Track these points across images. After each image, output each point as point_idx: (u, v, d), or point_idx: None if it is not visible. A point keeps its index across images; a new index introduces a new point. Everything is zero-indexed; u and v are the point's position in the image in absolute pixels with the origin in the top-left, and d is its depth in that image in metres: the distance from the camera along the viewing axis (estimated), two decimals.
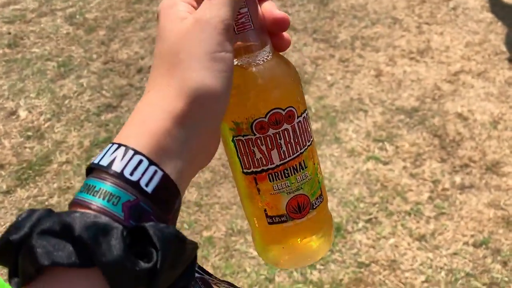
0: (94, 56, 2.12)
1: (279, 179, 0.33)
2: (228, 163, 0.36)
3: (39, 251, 0.23)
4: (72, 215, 0.24)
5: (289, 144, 0.33)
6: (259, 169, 0.33)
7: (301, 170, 0.34)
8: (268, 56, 0.33)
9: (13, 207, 1.57)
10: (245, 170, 0.34)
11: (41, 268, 0.23)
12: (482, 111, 1.75)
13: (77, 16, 2.35)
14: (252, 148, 0.33)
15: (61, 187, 1.61)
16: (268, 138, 0.32)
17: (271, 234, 0.36)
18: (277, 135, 0.32)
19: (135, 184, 0.25)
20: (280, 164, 0.33)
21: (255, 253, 1.37)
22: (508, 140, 1.65)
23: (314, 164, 0.36)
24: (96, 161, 0.26)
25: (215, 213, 1.49)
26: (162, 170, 0.26)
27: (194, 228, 1.46)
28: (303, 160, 0.34)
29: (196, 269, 0.33)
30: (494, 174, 1.54)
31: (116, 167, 0.26)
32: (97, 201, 0.25)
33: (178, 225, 1.47)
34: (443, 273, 1.31)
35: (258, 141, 0.32)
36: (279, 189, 0.34)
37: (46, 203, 1.58)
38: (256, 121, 0.32)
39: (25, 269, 0.24)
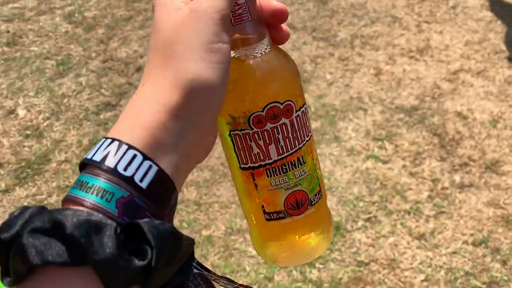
0: (93, 54, 2.11)
1: (277, 175, 0.33)
2: (226, 160, 0.35)
3: (30, 250, 0.22)
4: (64, 213, 0.23)
5: (287, 139, 0.32)
6: (256, 165, 0.33)
7: (300, 165, 0.33)
8: (266, 49, 0.32)
9: (11, 206, 1.56)
10: (242, 166, 0.33)
11: (32, 267, 0.23)
12: (482, 110, 1.75)
13: (76, 15, 2.34)
14: (249, 143, 0.32)
15: (60, 186, 1.61)
16: (265, 132, 0.32)
17: (269, 231, 0.36)
18: (275, 129, 0.32)
19: (129, 180, 0.25)
20: (278, 159, 0.33)
21: (254, 252, 1.37)
22: (507, 139, 1.64)
23: (313, 159, 0.35)
24: (89, 157, 0.26)
25: (214, 212, 1.49)
26: (157, 165, 0.26)
27: (193, 227, 1.45)
28: (302, 156, 0.33)
29: (195, 265, 0.32)
30: (493, 173, 1.54)
31: (110, 162, 0.25)
32: (90, 198, 0.24)
33: (177, 224, 1.47)
34: (442, 272, 1.30)
35: (256, 135, 0.32)
36: (277, 185, 0.33)
37: (45, 202, 1.57)
38: (253, 115, 0.31)
39: (17, 268, 0.23)
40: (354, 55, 2.01)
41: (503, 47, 2.00)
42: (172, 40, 0.28)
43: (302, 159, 0.34)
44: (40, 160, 1.69)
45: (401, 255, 1.35)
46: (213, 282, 0.34)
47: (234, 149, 0.33)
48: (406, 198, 1.48)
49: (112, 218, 0.24)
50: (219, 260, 1.37)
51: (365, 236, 1.40)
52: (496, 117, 1.72)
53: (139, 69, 2.02)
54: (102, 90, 1.95)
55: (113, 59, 2.09)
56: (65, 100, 1.92)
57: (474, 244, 1.36)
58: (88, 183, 0.25)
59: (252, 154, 0.32)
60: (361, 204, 1.47)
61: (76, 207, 0.24)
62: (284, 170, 0.33)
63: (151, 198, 0.25)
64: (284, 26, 0.34)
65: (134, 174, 0.25)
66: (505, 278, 1.28)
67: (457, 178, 1.53)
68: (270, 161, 0.33)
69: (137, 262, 0.23)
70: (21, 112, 1.89)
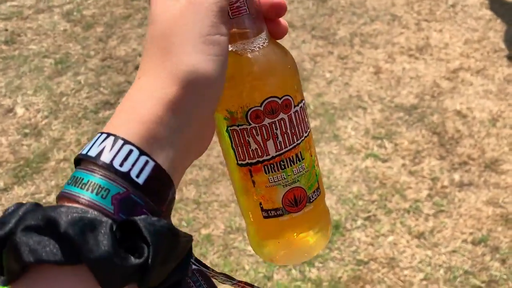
0: (92, 53, 2.11)
1: (275, 171, 0.32)
2: (223, 156, 0.35)
3: (23, 249, 0.22)
4: (58, 210, 0.23)
5: (285, 135, 0.32)
6: (254, 161, 0.32)
7: (298, 162, 0.33)
8: (264, 43, 0.32)
9: (10, 204, 1.56)
10: (239, 162, 0.33)
11: (26, 266, 0.22)
12: (481, 108, 1.74)
13: (75, 13, 2.34)
14: (247, 138, 0.31)
15: (59, 184, 1.60)
16: (263, 128, 0.31)
17: (266, 229, 0.35)
18: (273, 124, 0.31)
19: (125, 176, 0.24)
20: (276, 155, 0.32)
21: (253, 251, 1.36)
22: (507, 137, 1.64)
23: (311, 156, 0.35)
24: (84, 152, 0.26)
25: (213, 210, 1.49)
26: (153, 160, 0.25)
27: (193, 225, 1.45)
28: (300, 152, 0.33)
29: (193, 261, 0.32)
30: (493, 171, 1.54)
31: (105, 158, 0.25)
32: (85, 194, 0.24)
33: (176, 222, 1.47)
34: (442, 271, 1.30)
35: (253, 131, 0.31)
36: (275, 181, 0.33)
37: (44, 200, 1.57)
38: (251, 110, 0.31)
39: (11, 267, 0.23)
40: (354, 54, 2.00)
41: (503, 46, 1.99)
42: (169, 32, 0.27)
43: (301, 155, 0.33)
44: (38, 159, 1.69)
45: (401, 254, 1.34)
46: (212, 279, 0.33)
47: (232, 145, 0.32)
48: (406, 197, 1.48)
49: (108, 215, 0.23)
50: (218, 259, 1.36)
51: (364, 235, 1.39)
52: (496, 115, 1.72)
53: (138, 68, 2.01)
54: (101, 89, 1.94)
55: (112, 57, 2.08)
56: (64, 99, 1.91)
57: (473, 243, 1.36)
58: (83, 179, 0.24)
59: (250, 150, 0.32)
60: (360, 202, 1.47)
61: (70, 204, 0.24)
62: (282, 167, 0.32)
63: (148, 194, 0.25)
64: (282, 20, 0.33)
65: (130, 169, 0.25)
66: (504, 277, 1.28)
67: (456, 177, 1.53)
68: (268, 157, 0.32)
69: (134, 260, 0.23)
70: (19, 110, 1.88)
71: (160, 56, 0.27)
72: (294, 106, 0.32)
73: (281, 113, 0.32)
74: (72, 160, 1.58)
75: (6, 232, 0.23)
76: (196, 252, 1.38)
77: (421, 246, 1.36)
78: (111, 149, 0.25)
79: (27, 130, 1.80)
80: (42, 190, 1.60)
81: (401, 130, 1.68)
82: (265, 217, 0.34)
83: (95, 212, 0.23)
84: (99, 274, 0.22)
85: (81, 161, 0.26)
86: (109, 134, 0.26)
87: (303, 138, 0.33)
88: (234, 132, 0.32)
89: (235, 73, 0.31)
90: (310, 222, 0.36)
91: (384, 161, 1.59)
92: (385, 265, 1.32)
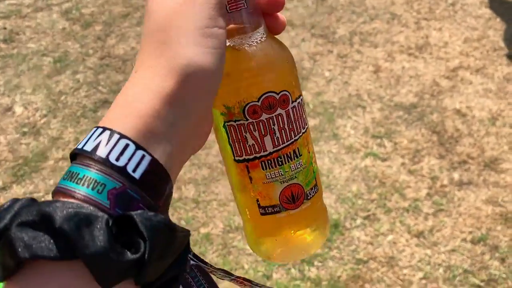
0: (91, 51, 2.10)
1: (272, 167, 0.32)
2: (220, 153, 0.35)
3: (18, 244, 0.22)
4: (53, 205, 0.23)
5: (283, 130, 0.32)
6: (251, 157, 0.32)
7: (296, 158, 0.33)
8: (262, 38, 0.31)
9: None
10: (236, 158, 0.32)
11: (21, 262, 0.22)
12: (481, 107, 1.74)
13: (73, 11, 2.33)
14: (244, 134, 0.31)
15: (58, 183, 1.60)
16: (261, 123, 0.31)
17: (263, 226, 0.35)
18: (270, 120, 0.31)
19: (122, 170, 0.24)
20: (274, 151, 0.32)
21: None
22: (506, 136, 1.64)
23: (309, 152, 0.34)
24: (80, 146, 0.25)
25: (212, 209, 1.48)
26: (150, 154, 0.25)
27: (192, 224, 1.45)
28: (298, 148, 0.33)
29: (191, 257, 0.32)
30: (492, 170, 1.53)
31: (101, 152, 0.24)
32: (81, 189, 0.24)
33: (175, 221, 1.47)
34: (441, 270, 1.30)
35: (251, 126, 0.31)
36: (272, 177, 0.32)
37: (42, 199, 1.57)
38: (248, 105, 0.31)
39: (6, 263, 0.22)
40: (353, 52, 2.00)
41: (502, 44, 1.99)
42: (166, 25, 0.27)
43: (298, 151, 0.33)
44: (37, 158, 1.68)
45: (400, 253, 1.34)
46: (210, 274, 0.33)
47: (229, 141, 0.32)
48: (405, 196, 1.48)
49: (104, 210, 0.23)
50: (218, 257, 1.36)
51: (363, 234, 1.39)
52: (495, 114, 1.72)
53: None
54: (100, 87, 1.94)
55: (110, 56, 2.08)
56: (62, 97, 1.91)
57: (472, 241, 1.36)
58: (78, 174, 0.24)
59: (247, 145, 0.32)
60: (359, 201, 1.47)
61: (66, 199, 0.24)
62: (280, 163, 0.32)
63: (144, 189, 0.25)
64: (280, 15, 0.33)
65: (126, 164, 0.24)
66: (504, 275, 1.28)
67: (456, 175, 1.53)
68: (266, 153, 0.32)
69: (130, 255, 0.23)
70: (18, 109, 1.88)
71: (157, 49, 0.27)
72: (292, 102, 0.32)
73: (278, 108, 0.31)
74: None
75: (1, 228, 0.23)
76: (195, 251, 1.38)
77: (420, 245, 1.36)
78: (107, 143, 0.25)
79: (25, 129, 1.79)
80: (40, 189, 1.59)
81: (401, 129, 1.68)
82: (262, 214, 0.34)
83: (91, 207, 0.23)
84: (95, 270, 0.22)
85: (77, 155, 0.26)
86: (105, 129, 0.25)
87: (300, 134, 0.33)
88: (231, 128, 0.32)
89: (233, 68, 0.30)
90: (308, 219, 0.35)
91: (384, 160, 1.59)
92: (385, 264, 1.32)
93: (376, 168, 1.56)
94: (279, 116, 0.31)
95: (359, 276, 1.29)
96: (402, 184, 1.51)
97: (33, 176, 1.63)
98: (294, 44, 2.04)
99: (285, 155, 0.32)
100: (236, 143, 0.32)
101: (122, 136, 0.25)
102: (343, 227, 1.41)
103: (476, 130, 1.66)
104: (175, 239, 0.25)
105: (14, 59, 2.10)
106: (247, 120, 0.31)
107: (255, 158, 0.32)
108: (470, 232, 1.38)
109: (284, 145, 0.32)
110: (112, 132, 0.25)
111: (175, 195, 1.52)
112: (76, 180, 0.24)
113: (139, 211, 0.23)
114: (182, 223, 1.45)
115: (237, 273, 1.33)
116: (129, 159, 0.24)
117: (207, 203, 1.50)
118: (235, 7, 0.30)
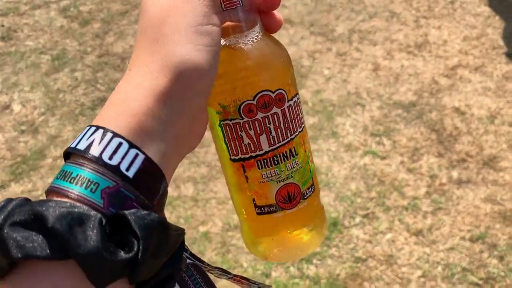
0: (89, 49, 2.10)
1: (268, 167, 0.32)
2: (216, 152, 0.34)
3: (11, 244, 0.22)
4: (46, 205, 0.22)
5: (278, 129, 0.31)
6: (247, 156, 0.32)
7: (292, 157, 0.32)
8: (258, 36, 0.31)
9: None
10: (232, 157, 0.32)
11: (14, 262, 0.22)
12: (480, 105, 1.74)
13: (71, 9, 2.32)
14: (239, 133, 0.31)
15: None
16: (256, 122, 0.31)
17: (260, 226, 0.35)
18: (266, 119, 0.31)
19: (115, 169, 0.24)
20: (269, 151, 0.32)
21: None
22: (505, 134, 1.64)
23: (306, 151, 0.34)
24: (73, 145, 0.25)
25: (211, 208, 1.48)
26: (143, 153, 0.25)
27: (191, 223, 1.45)
28: (294, 147, 0.32)
29: (188, 255, 0.32)
30: (491, 169, 1.53)
31: (94, 151, 0.24)
32: (74, 189, 0.23)
33: (174, 220, 1.47)
34: (439, 268, 1.30)
35: (246, 125, 0.31)
36: (268, 177, 0.32)
37: (40, 198, 1.56)
38: (244, 104, 0.30)
39: None
40: (352, 50, 2.00)
41: (501, 43, 1.99)
42: (160, 22, 0.27)
43: (294, 150, 0.33)
44: (35, 156, 1.68)
45: (399, 251, 1.34)
46: (207, 273, 0.33)
47: (224, 140, 0.32)
48: (404, 194, 1.48)
49: (97, 209, 0.23)
50: (216, 256, 1.36)
51: (362, 232, 1.39)
52: (494, 113, 1.71)
53: None
54: (98, 85, 1.93)
55: (109, 53, 2.07)
56: (61, 95, 1.90)
57: (471, 240, 1.36)
58: (72, 173, 0.24)
59: (243, 145, 0.31)
60: (358, 200, 1.47)
61: (59, 199, 0.24)
62: (276, 162, 0.32)
63: (138, 188, 0.24)
64: (276, 13, 0.33)
65: (120, 163, 0.24)
66: (502, 274, 1.28)
67: (454, 174, 1.53)
68: (261, 152, 0.32)
69: (123, 255, 0.22)
70: (16, 107, 1.87)
71: (151, 47, 0.27)
72: (288, 100, 0.32)
73: (274, 107, 0.31)
74: None
75: None
76: (194, 249, 1.38)
77: (419, 243, 1.36)
78: (100, 142, 0.24)
79: (23, 127, 1.79)
80: (39, 187, 1.59)
81: (400, 127, 1.68)
82: (258, 213, 0.34)
83: (84, 207, 0.23)
84: (88, 269, 0.22)
85: (70, 154, 0.25)
86: (98, 127, 0.25)
87: (297, 133, 0.33)
88: (227, 127, 0.31)
89: (228, 67, 0.30)
90: (304, 219, 0.35)
91: (383, 158, 1.58)
92: (383, 262, 1.32)
93: (375, 166, 1.56)
94: (275, 115, 0.31)
95: (358, 274, 1.29)
96: (401, 182, 1.51)
97: (31, 174, 1.62)
98: (293, 42, 2.03)
99: (281, 154, 0.32)
100: (231, 142, 0.32)
101: (115, 135, 0.25)
102: (342, 225, 1.41)
103: (475, 128, 1.66)
104: (169, 238, 0.25)
105: (12, 57, 2.09)
106: (242, 119, 0.31)
107: (251, 157, 0.32)
108: (469, 231, 1.38)
109: (280, 144, 0.32)
110: (105, 130, 0.25)
111: (174, 193, 1.52)
112: (69, 179, 0.24)
113: (132, 210, 0.23)
114: (181, 221, 1.45)
115: (236, 272, 1.33)
116: (123, 158, 0.24)
117: (206, 202, 1.50)
118: (230, 5, 0.30)
